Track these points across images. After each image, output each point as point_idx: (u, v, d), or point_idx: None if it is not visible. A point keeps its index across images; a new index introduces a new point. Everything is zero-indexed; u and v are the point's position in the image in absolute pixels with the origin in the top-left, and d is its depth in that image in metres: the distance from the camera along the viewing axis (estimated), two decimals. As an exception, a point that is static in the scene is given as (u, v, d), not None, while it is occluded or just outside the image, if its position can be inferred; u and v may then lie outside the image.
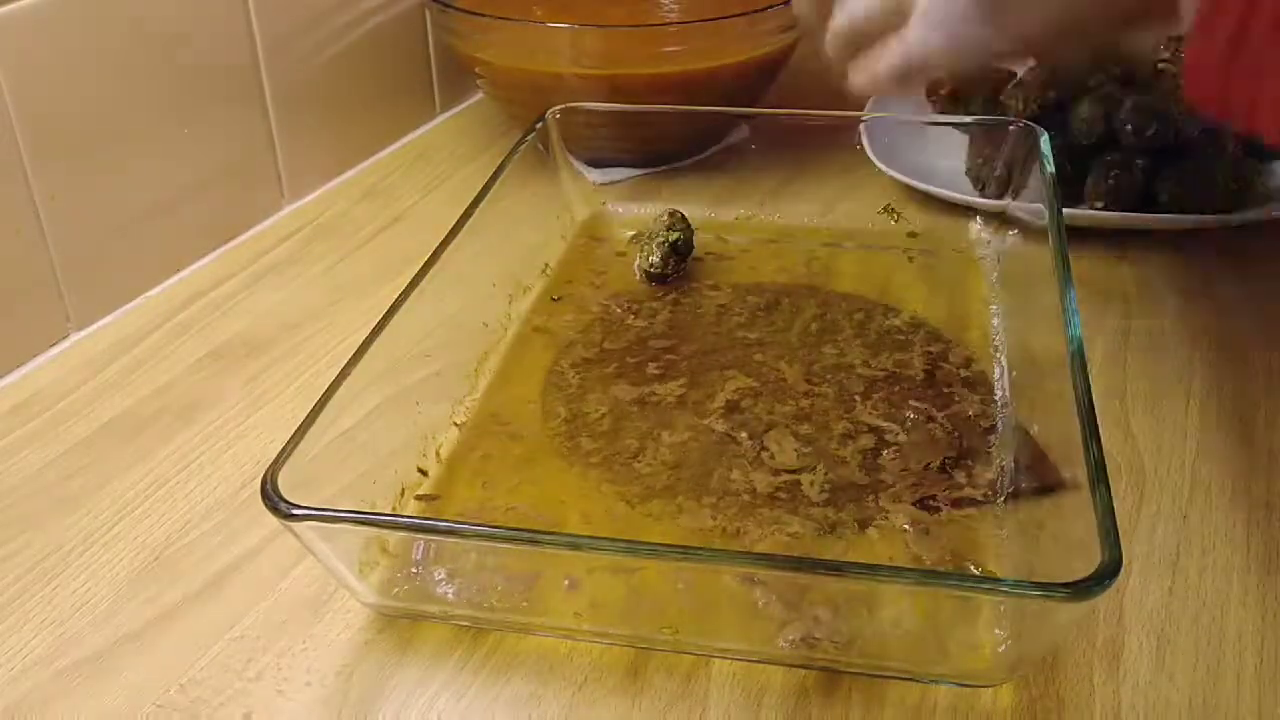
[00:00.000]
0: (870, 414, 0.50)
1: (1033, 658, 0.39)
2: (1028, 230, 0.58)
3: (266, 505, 0.37)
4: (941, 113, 0.72)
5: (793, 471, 0.47)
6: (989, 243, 0.63)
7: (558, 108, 0.65)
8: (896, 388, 0.52)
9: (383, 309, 0.48)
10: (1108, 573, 0.33)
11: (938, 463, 0.47)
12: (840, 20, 0.48)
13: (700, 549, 0.41)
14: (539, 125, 0.64)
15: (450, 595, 0.41)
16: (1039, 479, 0.44)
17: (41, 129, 0.56)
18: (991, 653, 0.38)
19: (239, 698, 0.39)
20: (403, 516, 0.45)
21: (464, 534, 0.39)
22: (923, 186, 0.66)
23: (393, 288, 0.50)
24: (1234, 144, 0.64)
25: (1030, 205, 0.58)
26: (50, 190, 0.57)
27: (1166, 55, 0.70)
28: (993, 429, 0.49)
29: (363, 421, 0.44)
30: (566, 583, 0.40)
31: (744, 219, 0.67)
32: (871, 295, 0.59)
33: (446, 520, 0.45)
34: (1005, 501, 0.45)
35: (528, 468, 0.48)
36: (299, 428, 0.41)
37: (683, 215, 0.62)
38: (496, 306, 0.58)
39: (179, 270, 0.66)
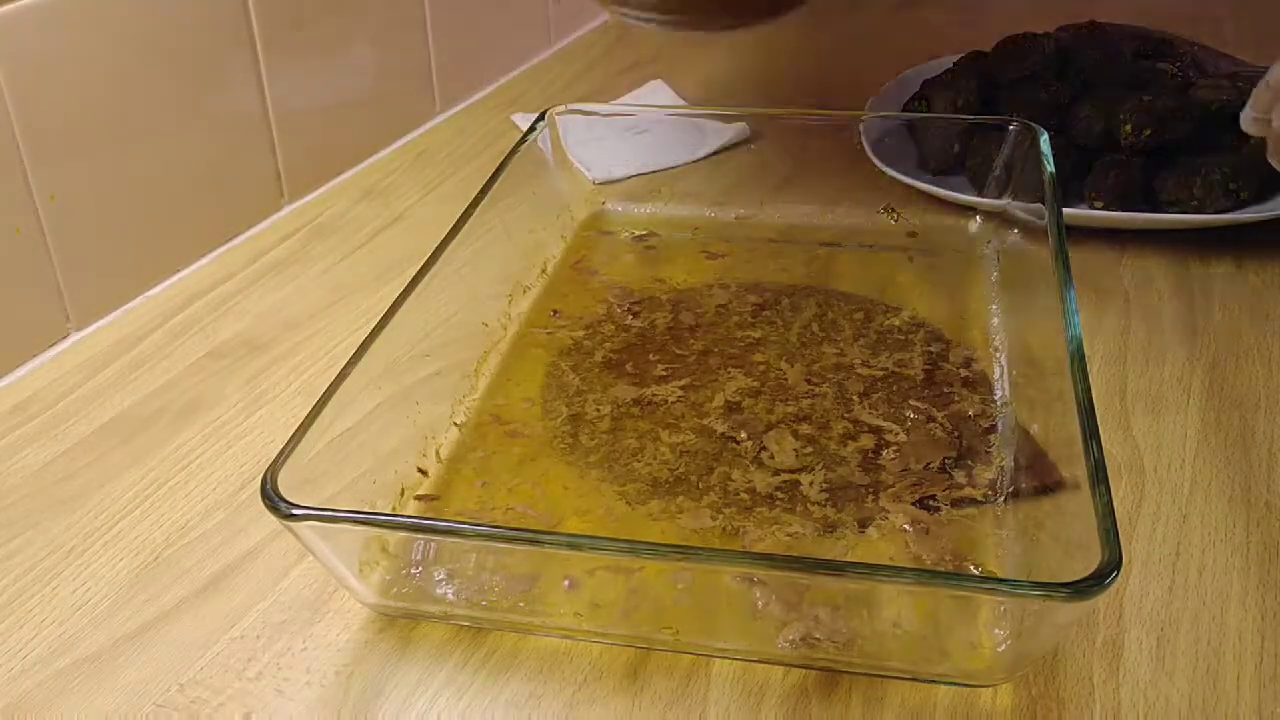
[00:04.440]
0: (870, 414, 0.50)
1: (1033, 658, 0.39)
2: (1028, 230, 0.58)
3: (266, 505, 0.37)
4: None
5: (792, 471, 0.47)
6: (989, 243, 0.63)
7: (558, 108, 0.65)
8: (896, 388, 0.52)
9: (383, 309, 0.48)
10: (1108, 572, 0.33)
11: (938, 463, 0.47)
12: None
13: (700, 549, 0.41)
14: (539, 125, 0.64)
15: (450, 595, 0.41)
16: (1039, 479, 0.44)
17: (41, 129, 0.56)
18: (991, 653, 0.38)
19: (239, 698, 0.39)
20: (403, 516, 0.45)
21: (464, 534, 0.39)
22: (923, 186, 0.66)
23: (393, 288, 0.50)
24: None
25: (1030, 205, 0.58)
26: (50, 190, 0.57)
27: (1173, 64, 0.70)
28: (993, 429, 0.49)
29: (363, 421, 0.44)
30: (566, 583, 0.40)
31: (744, 219, 0.67)
32: (871, 295, 0.59)
33: (446, 520, 0.45)
34: (1005, 501, 0.45)
35: (528, 468, 0.48)
36: (299, 428, 0.41)
37: None
38: (496, 306, 0.58)
39: (179, 270, 0.66)
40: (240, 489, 0.49)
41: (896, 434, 0.49)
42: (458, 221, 0.54)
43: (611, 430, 0.50)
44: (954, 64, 0.75)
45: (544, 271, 0.62)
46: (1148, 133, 0.64)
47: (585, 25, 1.02)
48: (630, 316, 0.58)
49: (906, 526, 0.44)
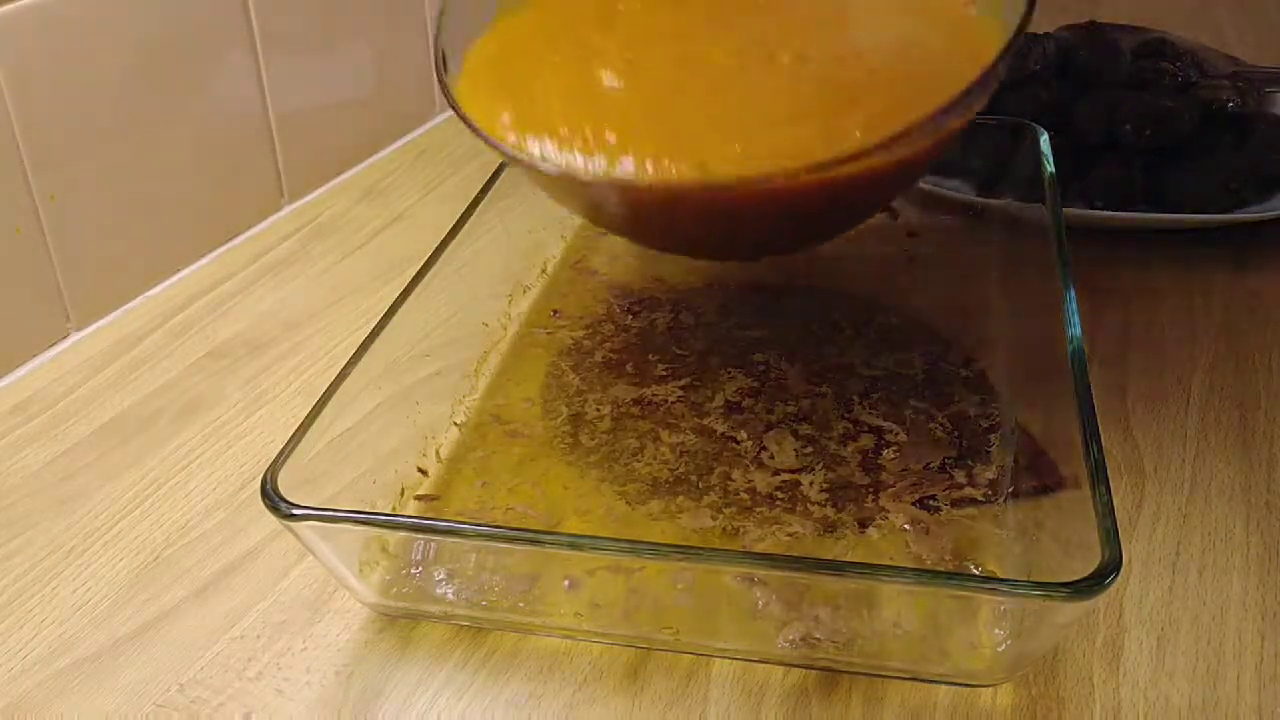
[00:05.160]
0: (870, 414, 0.50)
1: (1033, 658, 0.39)
2: (1028, 230, 0.58)
3: (266, 505, 0.37)
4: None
5: (793, 471, 0.47)
6: (989, 243, 0.63)
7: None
8: (896, 388, 0.52)
9: (383, 309, 0.48)
10: (1108, 572, 0.33)
11: (938, 463, 0.47)
12: None
13: (700, 549, 0.41)
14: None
15: (450, 595, 0.41)
16: (1039, 479, 0.44)
17: (41, 129, 0.56)
18: (991, 653, 0.38)
19: (239, 698, 0.39)
20: (403, 516, 0.45)
21: (464, 534, 0.39)
22: (923, 186, 0.66)
23: (393, 288, 0.50)
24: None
25: (1030, 205, 0.58)
26: (50, 190, 0.57)
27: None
28: (993, 429, 0.49)
29: (363, 421, 0.44)
30: (566, 583, 0.40)
31: (744, 219, 0.67)
32: (872, 295, 0.59)
33: (446, 520, 0.45)
34: (1005, 501, 0.45)
35: (528, 468, 0.48)
36: (299, 428, 0.41)
37: None
38: (496, 306, 0.58)
39: (179, 270, 0.66)
40: (240, 489, 0.49)
41: (896, 434, 0.49)
42: (458, 221, 0.54)
43: (611, 430, 0.50)
44: (954, 64, 0.75)
45: (544, 271, 0.62)
46: (1148, 133, 0.64)
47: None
48: (630, 316, 0.58)
49: (906, 526, 0.44)
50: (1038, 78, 0.69)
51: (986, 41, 0.45)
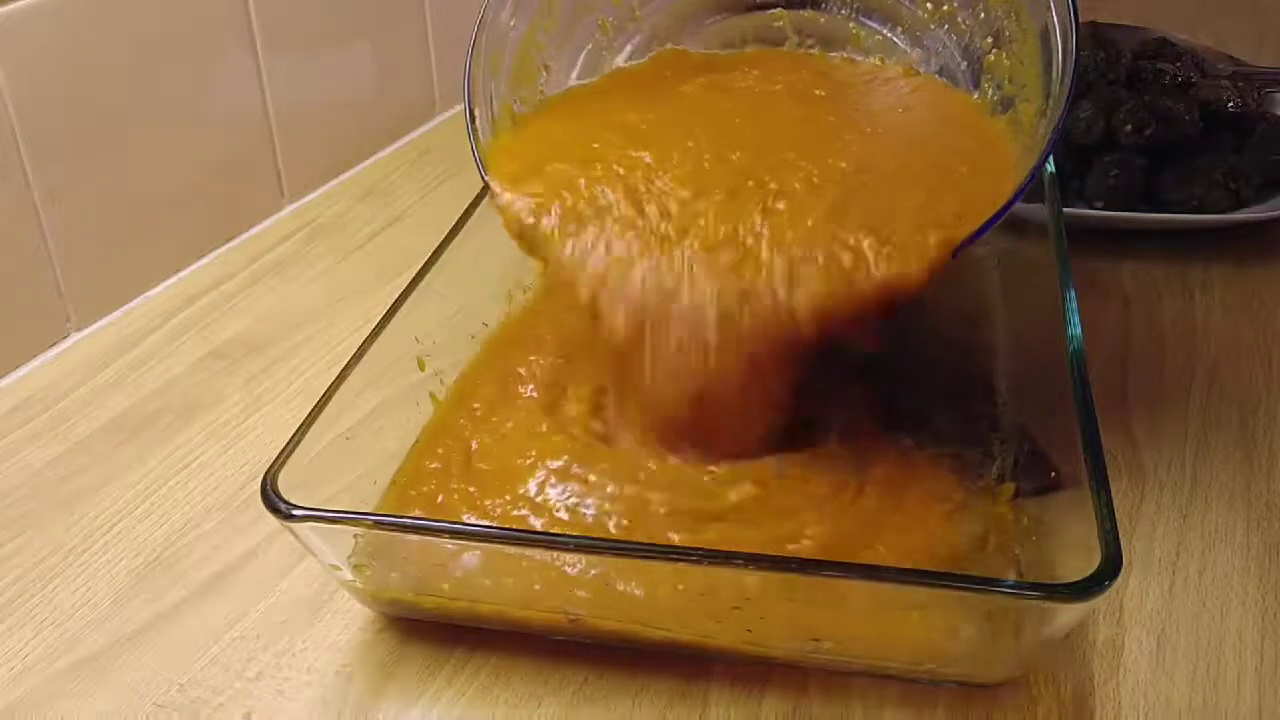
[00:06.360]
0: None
1: (1033, 658, 0.39)
2: (1028, 230, 0.58)
3: (266, 505, 0.37)
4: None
5: (793, 471, 0.47)
6: (989, 243, 0.63)
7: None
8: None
9: (383, 309, 0.48)
10: (1108, 573, 0.33)
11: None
12: None
13: (700, 549, 0.41)
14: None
15: (450, 595, 0.41)
16: (1039, 479, 0.44)
17: (41, 129, 0.56)
18: (991, 653, 0.38)
19: (239, 698, 0.39)
20: (402, 517, 0.45)
21: (463, 534, 0.39)
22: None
23: (393, 288, 0.50)
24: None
25: (1030, 205, 0.58)
26: (50, 190, 0.57)
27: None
28: (993, 429, 0.49)
29: (363, 421, 0.44)
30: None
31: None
32: (872, 295, 0.59)
33: (446, 520, 0.45)
34: (1006, 501, 0.45)
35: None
36: (299, 428, 0.41)
37: None
38: (496, 306, 0.57)
39: (179, 270, 0.66)
40: (240, 489, 0.49)
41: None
42: (458, 221, 0.54)
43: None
44: (954, 64, 0.75)
45: (544, 271, 0.62)
46: (1148, 132, 0.64)
47: (585, 25, 1.02)
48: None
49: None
50: (1038, 78, 0.69)
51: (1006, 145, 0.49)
